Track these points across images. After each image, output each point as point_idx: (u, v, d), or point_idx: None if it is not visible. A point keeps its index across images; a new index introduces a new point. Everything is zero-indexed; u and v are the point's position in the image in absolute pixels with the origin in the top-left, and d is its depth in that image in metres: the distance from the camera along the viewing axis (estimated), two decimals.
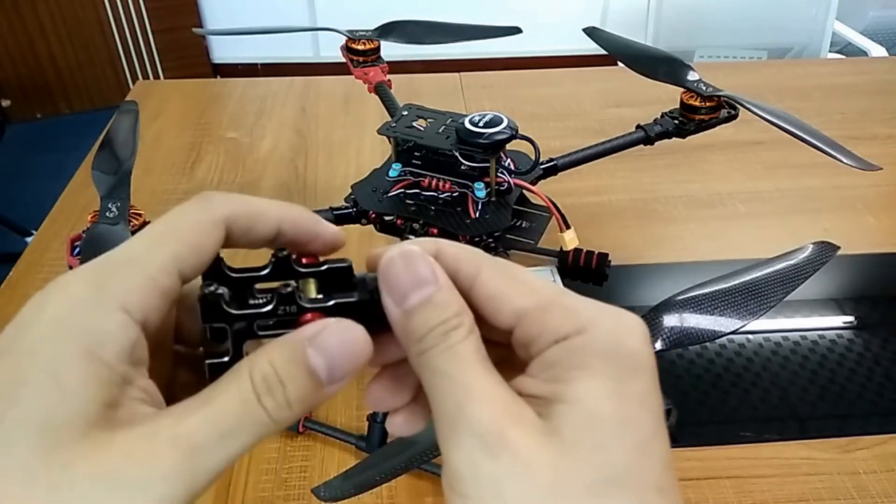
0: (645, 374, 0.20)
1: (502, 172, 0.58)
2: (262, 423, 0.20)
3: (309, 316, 0.22)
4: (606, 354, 0.20)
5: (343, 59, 0.77)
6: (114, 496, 0.18)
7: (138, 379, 0.20)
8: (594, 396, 0.19)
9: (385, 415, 0.26)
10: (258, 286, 0.23)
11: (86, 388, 0.18)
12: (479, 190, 0.57)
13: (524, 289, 0.22)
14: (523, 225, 0.61)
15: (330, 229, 0.24)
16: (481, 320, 0.22)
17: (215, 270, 0.22)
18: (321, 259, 0.24)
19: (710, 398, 0.61)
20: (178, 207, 0.22)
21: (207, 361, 0.22)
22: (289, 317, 0.22)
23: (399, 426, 0.24)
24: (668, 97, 0.68)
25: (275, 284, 0.23)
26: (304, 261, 0.23)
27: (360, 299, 0.23)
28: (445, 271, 0.22)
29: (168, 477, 0.18)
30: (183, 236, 0.21)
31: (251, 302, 0.22)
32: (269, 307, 0.22)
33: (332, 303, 0.23)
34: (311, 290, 0.23)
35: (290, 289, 0.22)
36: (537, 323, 0.21)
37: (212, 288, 0.22)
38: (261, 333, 0.22)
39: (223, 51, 2.61)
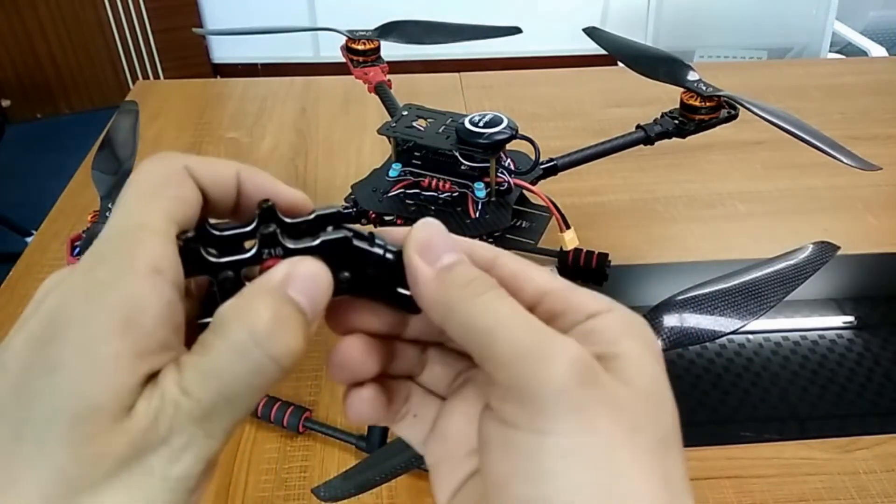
0: (662, 358, 0.21)
1: (502, 172, 0.58)
2: (269, 372, 0.19)
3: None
4: (637, 333, 0.21)
5: (343, 59, 0.77)
6: (142, 479, 0.18)
7: (177, 346, 0.19)
8: (648, 358, 0.20)
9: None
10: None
11: (121, 365, 0.18)
12: (479, 190, 0.57)
13: (542, 272, 0.22)
14: (523, 225, 0.61)
15: (291, 190, 0.23)
16: None
17: (201, 233, 0.21)
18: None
19: (710, 398, 0.61)
20: (139, 170, 0.21)
21: (199, 321, 0.21)
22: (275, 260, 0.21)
23: (361, 406, 0.23)
24: (668, 97, 0.68)
25: None
26: None
27: (351, 236, 0.22)
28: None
29: (185, 450, 0.18)
30: (166, 191, 0.20)
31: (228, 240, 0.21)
32: (253, 251, 0.21)
33: (318, 241, 0.22)
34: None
35: (272, 228, 0.21)
36: (563, 300, 0.21)
37: (189, 235, 0.21)
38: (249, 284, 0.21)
39: (223, 51, 2.61)
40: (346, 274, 0.22)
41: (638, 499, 0.18)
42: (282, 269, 0.20)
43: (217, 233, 0.21)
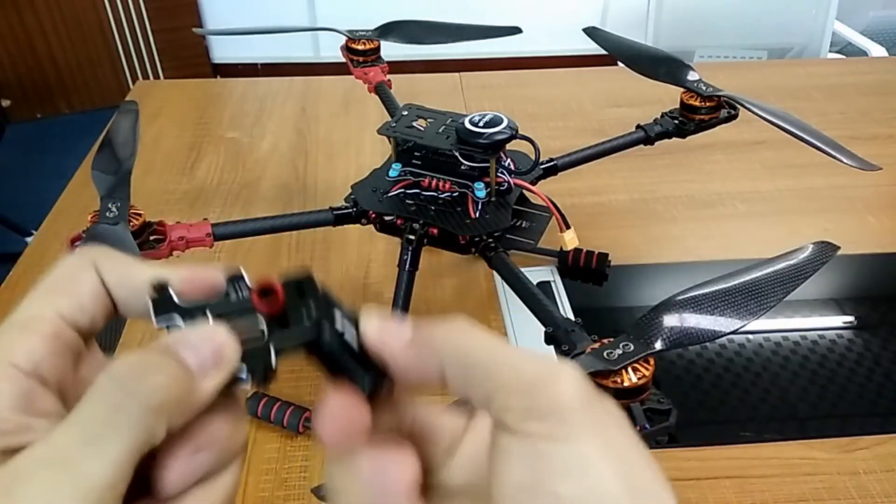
0: None
1: (502, 172, 0.58)
2: (135, 415, 0.20)
3: (273, 287, 0.21)
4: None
5: (343, 59, 0.77)
6: None
7: (41, 427, 0.20)
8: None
9: None
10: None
11: None
12: (479, 190, 0.57)
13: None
14: (523, 225, 0.61)
15: (193, 270, 0.23)
16: None
17: (165, 302, 0.22)
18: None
19: (710, 398, 0.61)
20: (53, 266, 0.23)
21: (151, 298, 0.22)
22: (244, 303, 0.22)
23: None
24: (668, 97, 0.68)
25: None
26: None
27: (317, 339, 0.22)
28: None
29: (53, 498, 0.19)
30: (61, 287, 0.23)
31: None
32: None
33: (289, 345, 0.22)
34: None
35: (238, 271, 0.22)
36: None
37: (160, 283, 0.22)
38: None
39: (223, 51, 2.61)
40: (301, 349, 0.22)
41: (654, 488, 0.20)
42: (175, 336, 0.21)
43: (184, 305, 0.22)
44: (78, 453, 0.19)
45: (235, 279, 0.23)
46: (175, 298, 0.22)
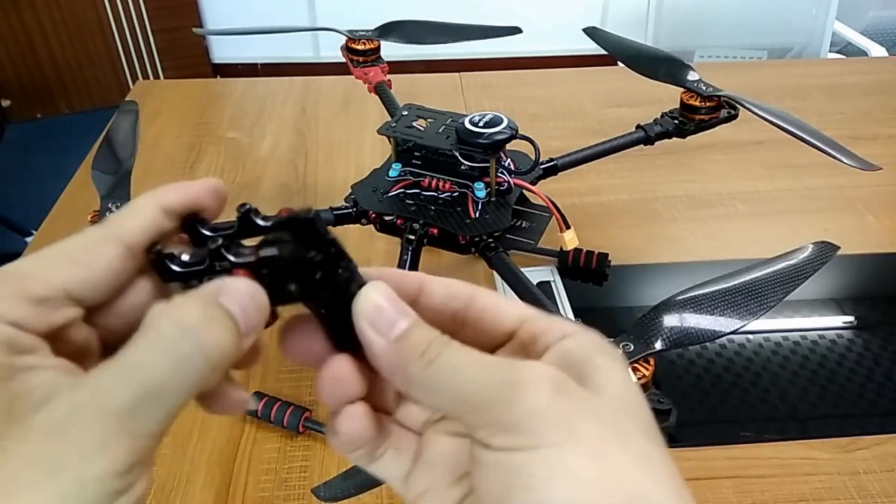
0: (628, 367, 0.23)
1: (502, 172, 0.58)
2: (197, 366, 0.20)
3: (241, 272, 0.22)
4: (603, 348, 0.23)
5: (343, 59, 0.77)
6: (55, 479, 0.18)
7: (35, 363, 0.20)
8: (617, 368, 0.22)
9: None
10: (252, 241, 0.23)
11: None
12: (479, 190, 0.57)
13: (516, 302, 0.25)
14: (523, 225, 0.61)
15: (193, 187, 0.24)
16: (476, 331, 0.24)
17: (193, 231, 0.24)
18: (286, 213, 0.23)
19: (710, 398, 0.61)
20: (81, 232, 0.23)
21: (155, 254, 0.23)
22: (226, 271, 0.23)
23: (353, 423, 0.23)
24: (668, 97, 0.68)
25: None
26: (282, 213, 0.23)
27: (288, 255, 0.22)
28: (443, 293, 0.24)
29: (106, 446, 0.18)
30: (72, 255, 0.22)
31: (187, 260, 0.23)
32: (205, 264, 0.23)
33: (254, 259, 0.22)
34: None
35: (218, 242, 0.23)
36: (541, 323, 0.23)
37: (156, 249, 0.23)
38: None
39: (223, 51, 2.61)
40: (293, 287, 0.23)
41: (635, 484, 0.19)
42: (215, 282, 0.22)
43: (207, 233, 0.24)
44: (133, 402, 0.19)
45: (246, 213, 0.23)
46: (200, 228, 0.24)
